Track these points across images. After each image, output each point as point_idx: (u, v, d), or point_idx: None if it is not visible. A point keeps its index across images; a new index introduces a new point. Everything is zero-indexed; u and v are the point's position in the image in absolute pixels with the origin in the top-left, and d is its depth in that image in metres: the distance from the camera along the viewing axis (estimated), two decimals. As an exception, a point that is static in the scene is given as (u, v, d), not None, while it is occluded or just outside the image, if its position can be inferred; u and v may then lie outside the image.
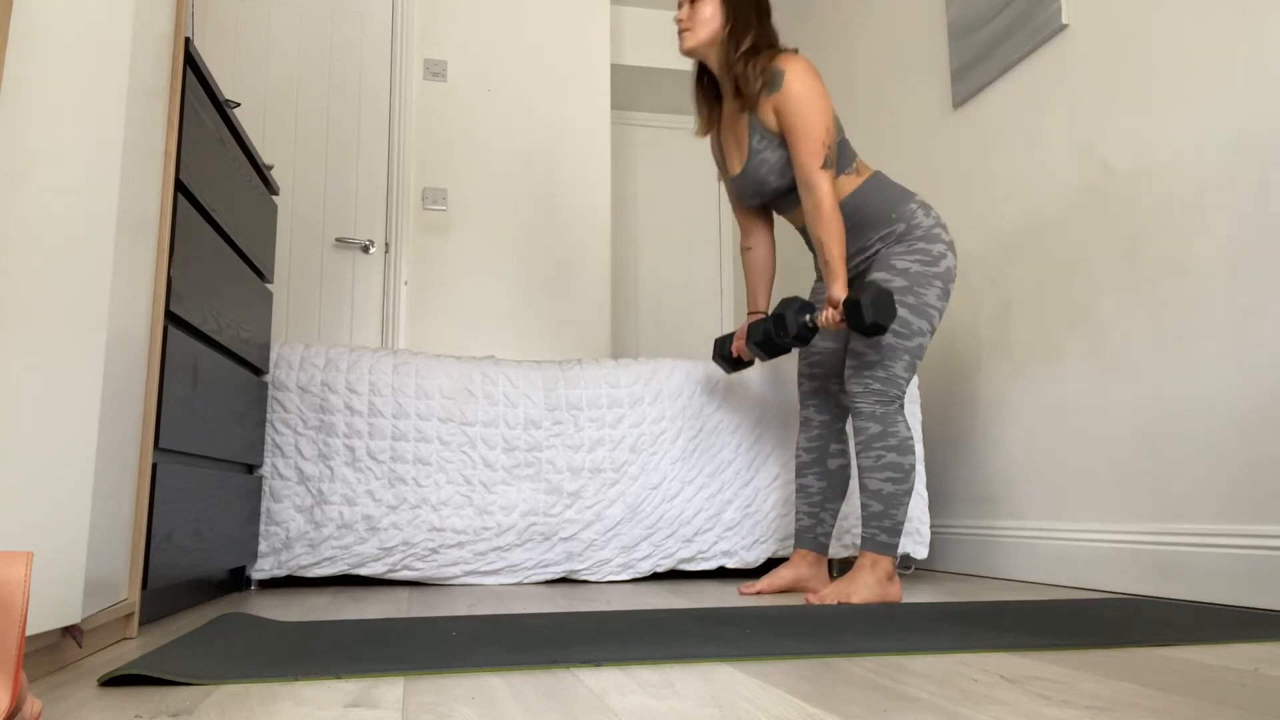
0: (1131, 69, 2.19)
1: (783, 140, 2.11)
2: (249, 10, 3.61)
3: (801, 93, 2.05)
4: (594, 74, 3.94)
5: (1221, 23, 1.95)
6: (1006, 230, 2.63)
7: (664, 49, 4.46)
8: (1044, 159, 2.48)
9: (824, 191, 2.03)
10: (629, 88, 4.42)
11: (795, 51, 2.14)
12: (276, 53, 3.62)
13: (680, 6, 2.21)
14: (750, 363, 2.36)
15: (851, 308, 1.97)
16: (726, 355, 2.36)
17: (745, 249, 2.38)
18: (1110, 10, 2.26)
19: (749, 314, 2.36)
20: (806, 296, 3.80)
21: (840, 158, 2.15)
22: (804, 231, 2.30)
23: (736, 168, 2.24)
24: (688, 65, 4.47)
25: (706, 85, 2.27)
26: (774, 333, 2.13)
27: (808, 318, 2.10)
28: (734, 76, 2.15)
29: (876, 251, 2.16)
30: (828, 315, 2.04)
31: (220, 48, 3.56)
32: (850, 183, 2.15)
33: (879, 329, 1.97)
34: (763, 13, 2.18)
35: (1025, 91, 2.56)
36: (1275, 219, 1.82)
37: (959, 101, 2.85)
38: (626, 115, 4.66)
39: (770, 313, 2.16)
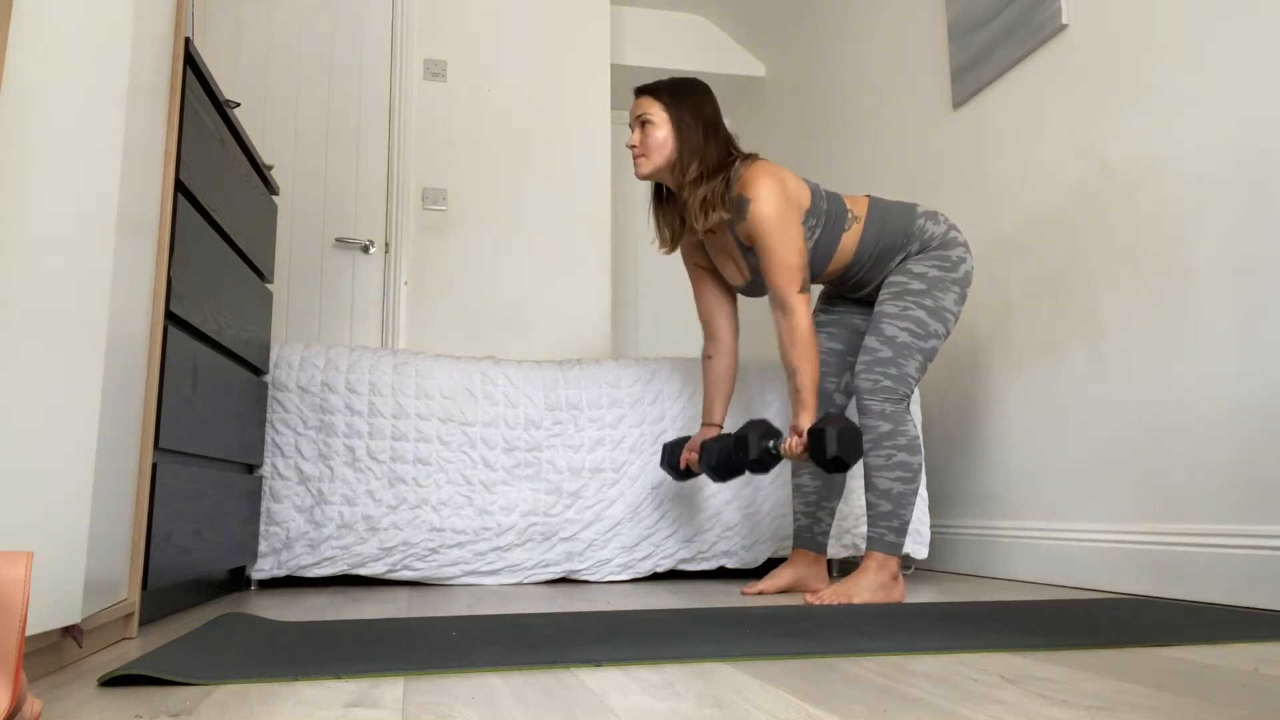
0: (1131, 69, 2.19)
1: None
2: (249, 10, 3.61)
3: (769, 220, 2.00)
4: (594, 74, 3.94)
5: (1221, 23, 1.95)
6: (1006, 230, 2.63)
7: (664, 49, 4.46)
8: (1044, 159, 2.48)
9: (800, 315, 2.01)
10: (629, 88, 4.41)
11: (754, 158, 2.09)
12: (276, 53, 3.62)
13: (633, 131, 2.16)
14: (700, 473, 2.25)
15: (816, 436, 1.92)
16: (675, 464, 2.25)
17: (706, 357, 2.30)
18: (1110, 10, 2.26)
19: (704, 424, 2.28)
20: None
21: (837, 217, 2.12)
22: (834, 281, 2.25)
23: (738, 280, 2.21)
24: (690, 66, 4.48)
25: (667, 201, 2.21)
26: (733, 451, 2.05)
27: (771, 444, 2.03)
28: (683, 205, 2.12)
29: (893, 269, 2.15)
30: (791, 444, 2.00)
31: (220, 48, 3.56)
32: (854, 234, 2.13)
33: (840, 465, 1.91)
34: (709, 129, 2.12)
35: (1025, 91, 2.57)
36: (1275, 219, 1.82)
37: (959, 101, 2.85)
38: (626, 115, 4.65)
39: (735, 433, 2.07)
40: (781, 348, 2.05)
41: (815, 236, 2.11)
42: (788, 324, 2.02)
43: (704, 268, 2.30)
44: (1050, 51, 2.47)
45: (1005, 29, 2.62)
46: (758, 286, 2.20)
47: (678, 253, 4.78)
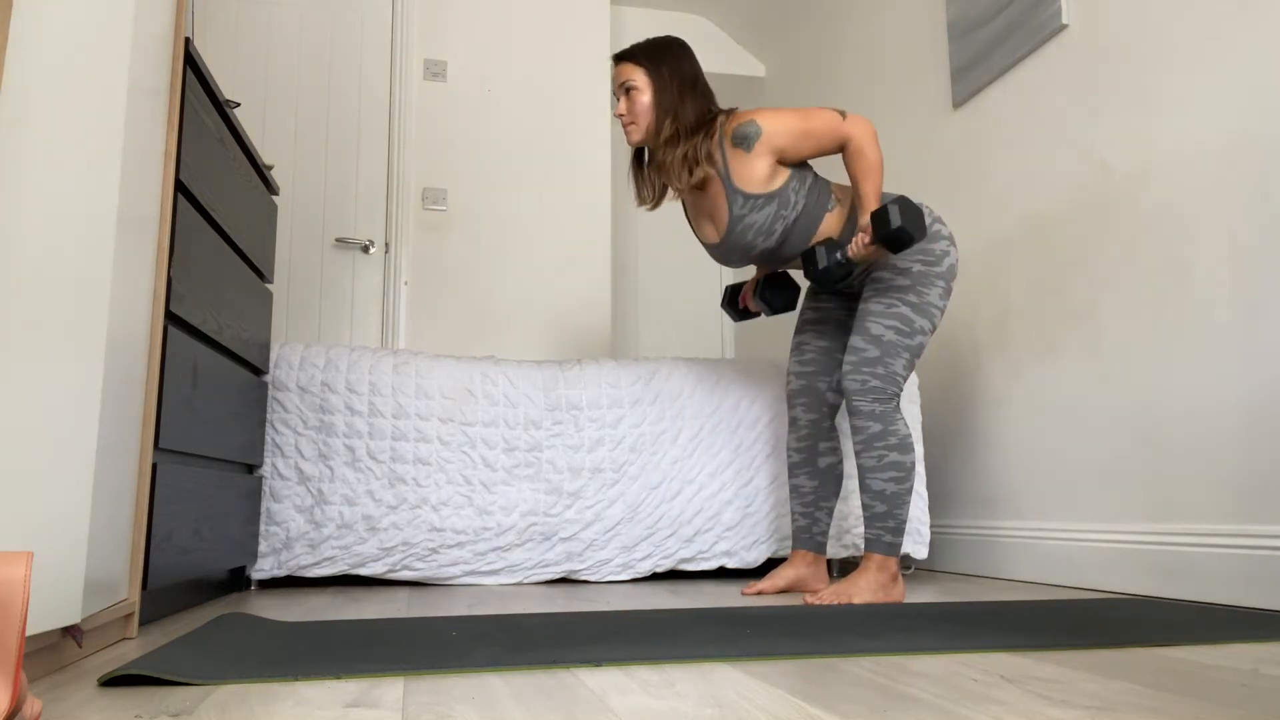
0: (1131, 69, 2.19)
1: (769, 197, 2.06)
2: (249, 10, 3.62)
3: (779, 117, 2.03)
4: (594, 74, 3.94)
5: (1221, 23, 1.95)
6: (1006, 230, 2.63)
7: (664, 49, 4.45)
8: (1044, 159, 2.48)
9: (855, 132, 2.01)
10: (629, 88, 4.41)
11: (735, 110, 2.11)
12: (276, 53, 3.62)
13: (618, 99, 2.16)
14: (756, 314, 2.41)
15: (879, 216, 1.92)
16: (735, 304, 2.40)
17: None
18: (1110, 10, 2.26)
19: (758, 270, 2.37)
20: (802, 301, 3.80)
21: (821, 194, 2.11)
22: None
23: (713, 237, 2.18)
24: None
25: (649, 162, 2.20)
26: (805, 270, 2.08)
27: (839, 254, 2.04)
28: (659, 164, 2.11)
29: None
30: (858, 240, 1.99)
31: (220, 48, 3.56)
32: (837, 216, 2.12)
33: (904, 236, 1.91)
34: (686, 87, 2.12)
35: (1025, 91, 2.56)
36: (1275, 218, 1.82)
37: (959, 101, 2.85)
38: (626, 115, 4.65)
39: (802, 252, 2.13)
40: (854, 170, 2.03)
41: (799, 208, 2.09)
42: (853, 149, 2.02)
43: None
44: (1050, 51, 2.47)
45: (1005, 29, 2.62)
46: (733, 248, 2.15)
47: (677, 248, 4.81)
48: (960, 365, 2.82)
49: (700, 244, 2.37)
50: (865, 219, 2.00)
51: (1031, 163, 2.53)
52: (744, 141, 2.03)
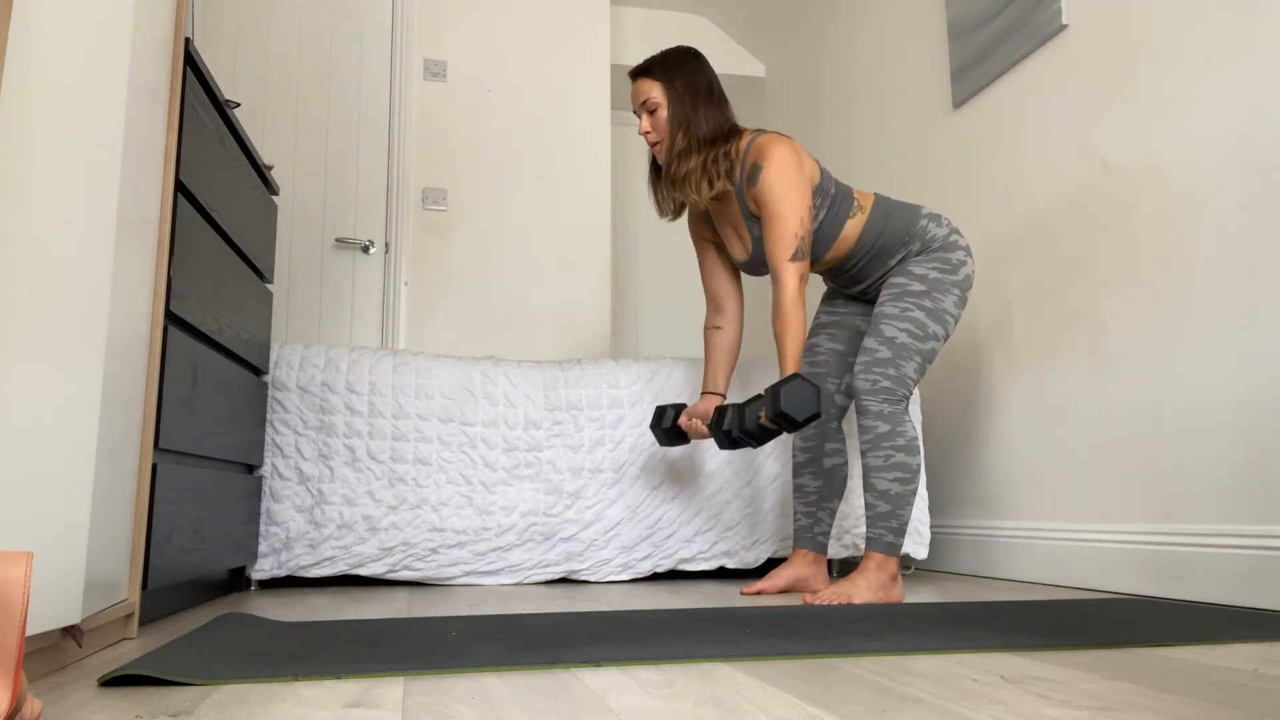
0: (1131, 69, 2.19)
1: None
2: (249, 10, 3.61)
3: (776, 186, 2.01)
4: (594, 74, 3.94)
5: (1221, 23, 1.95)
6: (1006, 230, 2.63)
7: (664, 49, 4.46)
8: (1043, 159, 2.48)
9: (788, 284, 2.00)
10: (629, 88, 4.42)
11: (759, 132, 2.09)
12: (276, 53, 3.62)
13: (640, 118, 2.16)
14: (687, 441, 2.25)
15: (770, 393, 1.92)
16: (668, 428, 2.22)
17: (714, 328, 2.29)
18: (1110, 10, 2.26)
19: (706, 393, 2.26)
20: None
21: (843, 203, 2.13)
22: (831, 274, 2.26)
23: (741, 254, 2.21)
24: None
25: (663, 175, 2.19)
26: (736, 424, 2.01)
27: (755, 420, 1.99)
28: (672, 178, 2.11)
29: (893, 268, 2.16)
30: (765, 409, 1.98)
31: (220, 48, 3.56)
32: (858, 223, 2.14)
33: (782, 421, 1.89)
34: (699, 98, 2.11)
35: (1025, 92, 2.56)
36: (1275, 218, 1.82)
37: (959, 101, 2.85)
38: (626, 115, 4.65)
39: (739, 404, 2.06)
40: (772, 313, 2.04)
41: (820, 218, 2.12)
42: (776, 289, 2.02)
43: (709, 240, 2.31)
44: (1050, 51, 2.47)
45: (1005, 29, 2.62)
46: (759, 263, 2.19)
47: (677, 248, 4.81)
48: (960, 365, 2.82)
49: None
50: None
51: (1031, 163, 2.53)
52: (749, 180, 2.07)
